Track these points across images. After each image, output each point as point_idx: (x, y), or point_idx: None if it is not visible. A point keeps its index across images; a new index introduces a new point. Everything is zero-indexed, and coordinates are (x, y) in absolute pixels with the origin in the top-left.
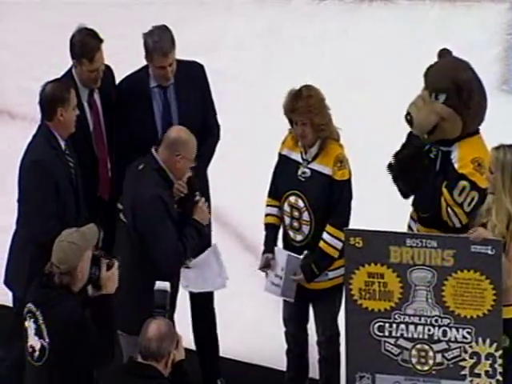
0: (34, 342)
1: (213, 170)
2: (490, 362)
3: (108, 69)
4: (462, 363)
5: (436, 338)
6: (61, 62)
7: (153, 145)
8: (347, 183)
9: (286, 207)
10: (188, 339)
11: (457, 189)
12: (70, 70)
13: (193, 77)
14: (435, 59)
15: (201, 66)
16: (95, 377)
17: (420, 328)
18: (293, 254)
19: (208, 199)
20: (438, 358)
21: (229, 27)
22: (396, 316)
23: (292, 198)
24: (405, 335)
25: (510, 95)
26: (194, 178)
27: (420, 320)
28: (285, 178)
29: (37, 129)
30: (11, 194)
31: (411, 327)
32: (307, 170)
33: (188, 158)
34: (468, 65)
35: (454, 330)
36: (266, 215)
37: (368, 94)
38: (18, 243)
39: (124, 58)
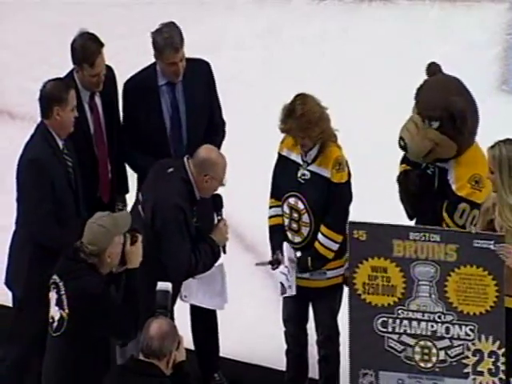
0: (54, 312)
1: None
2: (492, 359)
3: (109, 69)
4: (464, 361)
5: (439, 334)
6: (61, 62)
7: (161, 142)
8: (346, 186)
9: (286, 208)
10: (188, 339)
11: (457, 212)
12: (71, 72)
13: (200, 74)
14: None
15: (207, 64)
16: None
17: (423, 324)
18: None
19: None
20: (441, 355)
21: (229, 27)
22: (399, 311)
23: (292, 200)
24: (408, 331)
25: (510, 95)
26: (220, 196)
27: (423, 316)
28: (285, 179)
29: (35, 128)
30: (11, 194)
31: (414, 323)
32: (307, 172)
33: (216, 178)
34: (458, 84)
35: (457, 326)
36: (271, 217)
37: (368, 94)
38: (17, 243)
39: (124, 58)
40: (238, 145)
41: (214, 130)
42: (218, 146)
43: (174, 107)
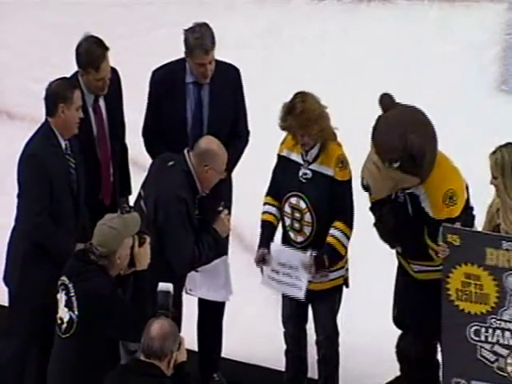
0: (63, 313)
1: None
2: None
3: (114, 71)
4: None
5: None
6: (61, 62)
7: (180, 138)
8: (349, 183)
9: (287, 208)
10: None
11: (440, 236)
12: (75, 74)
13: (228, 79)
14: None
15: (237, 70)
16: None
17: None
18: (289, 247)
19: (230, 202)
20: None
21: (229, 27)
22: (492, 321)
23: (293, 200)
24: (501, 341)
25: (509, 95)
26: (221, 186)
27: None
28: (286, 179)
29: (39, 126)
30: (10, 194)
31: (507, 334)
32: (308, 172)
33: (216, 170)
34: (413, 116)
35: None
36: (264, 213)
37: (368, 94)
38: (14, 239)
39: (124, 58)
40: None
41: (237, 137)
42: (239, 152)
43: (197, 107)
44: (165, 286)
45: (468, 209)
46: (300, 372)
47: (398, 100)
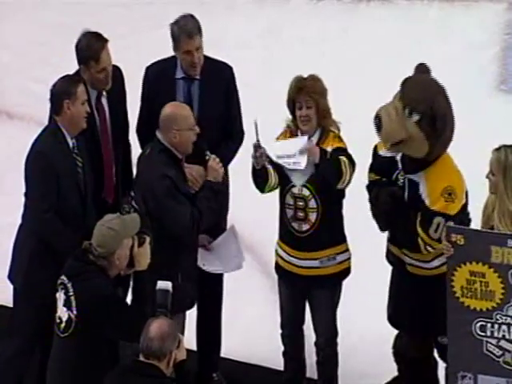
0: (62, 313)
1: None
2: None
3: (117, 69)
4: None
5: None
6: (61, 62)
7: None
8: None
9: (289, 199)
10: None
11: (432, 227)
12: (78, 72)
13: (219, 76)
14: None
15: (230, 68)
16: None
17: None
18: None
19: (227, 200)
20: None
21: (229, 27)
22: (498, 316)
23: (295, 189)
24: (506, 337)
25: (508, 95)
26: (199, 141)
27: None
28: (284, 171)
29: (46, 125)
30: (10, 195)
31: None
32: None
33: (183, 129)
34: (445, 91)
35: None
36: None
37: (368, 94)
38: (20, 237)
39: (124, 58)
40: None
41: (231, 137)
42: (233, 152)
43: (187, 102)
44: (164, 285)
45: (464, 213)
46: (298, 373)
47: None
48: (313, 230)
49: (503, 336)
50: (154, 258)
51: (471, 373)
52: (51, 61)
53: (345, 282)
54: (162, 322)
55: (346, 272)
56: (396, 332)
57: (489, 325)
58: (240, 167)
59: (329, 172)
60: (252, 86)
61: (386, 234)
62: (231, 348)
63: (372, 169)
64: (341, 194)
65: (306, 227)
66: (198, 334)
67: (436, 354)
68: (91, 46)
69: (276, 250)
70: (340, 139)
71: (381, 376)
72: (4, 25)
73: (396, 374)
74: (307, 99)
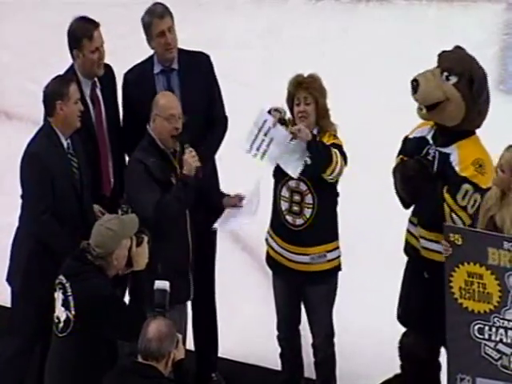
0: (60, 312)
1: None
2: None
3: (109, 68)
4: None
5: None
6: (61, 62)
7: None
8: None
9: (285, 192)
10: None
11: (460, 193)
12: (71, 66)
13: (197, 65)
14: (434, 59)
15: (206, 56)
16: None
17: None
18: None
19: (217, 188)
20: None
21: (229, 27)
22: (495, 320)
23: (292, 182)
24: (504, 340)
25: (507, 95)
26: (181, 134)
27: None
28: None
29: (40, 127)
30: (9, 195)
31: (510, 333)
32: (307, 159)
33: (161, 115)
34: (478, 63)
35: None
36: None
37: (368, 94)
38: (18, 239)
39: (124, 57)
40: (236, 144)
41: (214, 123)
42: (219, 138)
43: None
44: (161, 284)
45: None
46: (296, 373)
47: (397, 100)
48: (307, 225)
49: (500, 340)
50: None
51: (470, 375)
52: (51, 61)
53: (343, 281)
54: (160, 323)
55: (336, 270)
56: (397, 332)
57: (486, 328)
58: (239, 167)
59: (318, 156)
60: (252, 86)
61: (385, 234)
62: (229, 348)
63: (400, 152)
64: (336, 192)
65: (300, 222)
66: (194, 334)
67: (441, 358)
68: (84, 26)
69: (266, 239)
70: (336, 137)
71: (379, 376)
72: (4, 25)
73: (395, 373)
74: (306, 95)
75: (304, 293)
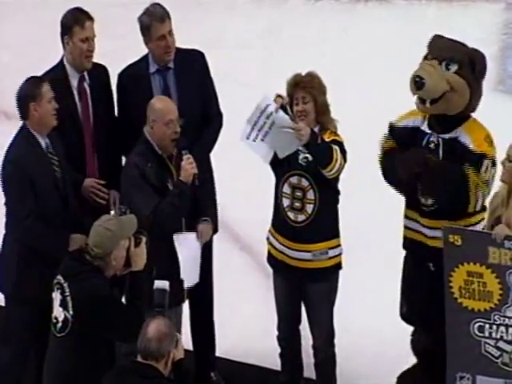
0: (58, 313)
1: None
2: None
3: (103, 68)
4: None
5: None
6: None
7: None
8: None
9: (286, 188)
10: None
11: (483, 167)
12: (61, 60)
13: (192, 63)
14: None
15: (201, 54)
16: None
17: None
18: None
19: (213, 185)
20: None
21: (229, 27)
22: (496, 317)
23: (294, 179)
24: (504, 338)
25: (506, 95)
26: (179, 139)
27: None
28: (284, 162)
29: (17, 131)
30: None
31: (511, 330)
32: (308, 156)
33: (159, 121)
34: None
35: None
36: None
37: (368, 94)
38: (6, 245)
39: (124, 57)
40: (236, 144)
41: (210, 120)
42: (214, 135)
43: (165, 94)
44: (161, 284)
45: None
46: (295, 373)
47: (396, 100)
48: (308, 221)
49: (501, 337)
50: None
51: (470, 373)
52: (51, 61)
53: (343, 281)
54: (160, 323)
55: (336, 267)
56: (397, 331)
57: (487, 325)
58: (238, 167)
59: (318, 154)
60: (252, 86)
61: (385, 234)
62: (228, 347)
63: (389, 138)
64: (337, 189)
65: (301, 218)
66: (192, 334)
67: None
68: (77, 14)
69: (268, 238)
70: (336, 134)
71: (379, 376)
72: (4, 25)
73: (396, 373)
74: (304, 95)
75: (304, 290)
